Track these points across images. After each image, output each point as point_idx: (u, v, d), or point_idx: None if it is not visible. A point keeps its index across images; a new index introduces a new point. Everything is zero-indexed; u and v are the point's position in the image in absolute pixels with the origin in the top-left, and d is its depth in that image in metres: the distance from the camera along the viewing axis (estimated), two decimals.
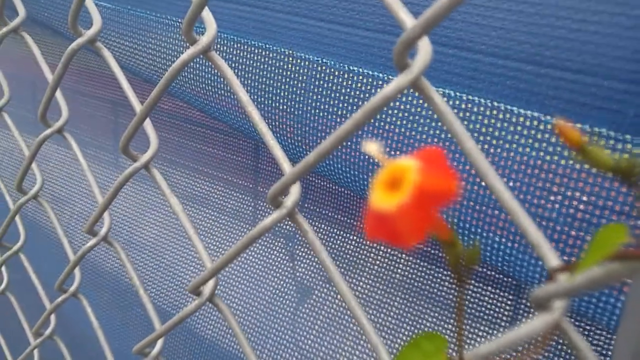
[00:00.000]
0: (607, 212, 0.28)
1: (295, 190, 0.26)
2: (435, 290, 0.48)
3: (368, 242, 0.51)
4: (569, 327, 0.18)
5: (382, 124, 0.35)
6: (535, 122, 0.29)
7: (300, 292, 0.62)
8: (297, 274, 0.63)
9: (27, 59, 0.45)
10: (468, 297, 0.43)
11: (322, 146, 0.22)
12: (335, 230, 0.58)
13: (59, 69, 0.38)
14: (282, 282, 0.63)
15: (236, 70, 0.45)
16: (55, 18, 0.61)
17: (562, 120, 0.13)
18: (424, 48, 0.19)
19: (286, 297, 0.62)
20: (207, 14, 0.28)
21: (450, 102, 0.32)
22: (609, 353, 0.33)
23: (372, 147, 0.12)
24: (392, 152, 0.34)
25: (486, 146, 0.31)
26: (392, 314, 0.51)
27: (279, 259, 0.65)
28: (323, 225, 0.59)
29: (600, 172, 0.12)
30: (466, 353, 0.18)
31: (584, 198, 0.28)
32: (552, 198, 0.29)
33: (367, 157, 0.37)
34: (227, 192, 0.69)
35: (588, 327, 0.34)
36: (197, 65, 0.48)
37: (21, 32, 0.44)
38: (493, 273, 0.41)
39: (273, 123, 0.43)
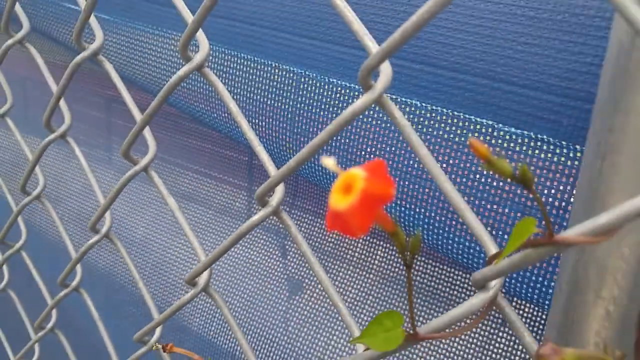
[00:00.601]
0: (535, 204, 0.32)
1: (279, 190, 0.30)
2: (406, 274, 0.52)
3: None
4: (503, 303, 0.22)
5: (357, 130, 0.39)
6: (490, 130, 0.33)
7: (292, 286, 0.65)
8: (289, 268, 0.66)
9: (17, 58, 0.48)
10: (423, 277, 0.47)
11: (301, 153, 0.25)
12: (320, 221, 0.61)
13: (63, 80, 0.41)
14: (274, 276, 0.67)
15: (225, 80, 0.48)
16: (56, 29, 0.64)
17: (474, 138, 0.16)
18: (385, 71, 0.23)
19: (278, 290, 0.66)
20: (200, 34, 0.32)
21: (417, 112, 0.36)
22: (541, 328, 0.38)
23: (328, 162, 0.15)
24: (361, 153, 0.38)
25: (448, 150, 0.34)
26: (366, 295, 0.55)
27: (270, 254, 0.69)
28: (311, 217, 0.62)
29: (504, 180, 0.16)
30: (419, 327, 0.22)
31: (521, 192, 0.33)
32: (496, 193, 0.33)
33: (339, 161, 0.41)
34: (221, 189, 0.72)
35: (523, 306, 0.38)
36: (191, 78, 0.51)
37: (25, 44, 0.47)
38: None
39: (259, 128, 0.47)
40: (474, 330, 0.43)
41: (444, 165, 0.34)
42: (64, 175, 0.89)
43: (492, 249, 0.22)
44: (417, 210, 0.37)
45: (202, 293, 0.37)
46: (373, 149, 0.37)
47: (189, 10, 0.33)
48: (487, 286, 0.21)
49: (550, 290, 0.33)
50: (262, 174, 0.69)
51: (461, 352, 0.46)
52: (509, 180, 0.15)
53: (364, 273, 0.56)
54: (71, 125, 0.47)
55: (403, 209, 0.38)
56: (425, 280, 0.46)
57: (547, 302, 0.33)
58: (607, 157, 0.20)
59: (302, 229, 0.63)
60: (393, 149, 0.37)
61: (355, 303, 0.53)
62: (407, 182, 0.36)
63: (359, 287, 0.54)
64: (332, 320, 0.60)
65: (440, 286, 0.46)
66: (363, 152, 0.39)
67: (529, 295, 0.34)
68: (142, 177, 0.41)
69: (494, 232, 0.33)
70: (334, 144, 0.41)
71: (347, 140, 0.40)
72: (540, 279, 0.33)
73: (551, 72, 0.30)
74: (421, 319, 0.46)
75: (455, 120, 0.34)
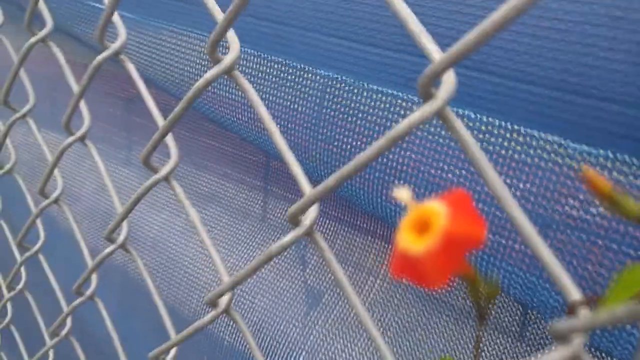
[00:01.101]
0: (624, 247, 0.28)
1: (313, 210, 0.27)
2: (446, 293, 0.48)
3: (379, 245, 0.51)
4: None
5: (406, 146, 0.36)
6: (556, 147, 0.29)
7: (311, 297, 0.62)
8: (308, 279, 0.63)
9: (43, 56, 0.46)
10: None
11: (343, 170, 0.22)
12: (355, 233, 0.58)
13: (84, 81, 0.39)
14: (293, 287, 0.64)
15: (253, 84, 0.45)
16: (80, 28, 0.62)
17: (591, 169, 0.13)
18: (449, 79, 0.19)
19: (297, 301, 0.63)
20: (231, 34, 0.29)
21: (471, 124, 0.32)
22: None
23: (402, 194, 0.12)
24: (404, 173, 0.34)
25: (505, 168, 0.31)
26: (403, 316, 0.51)
27: (289, 264, 0.66)
28: (343, 227, 0.59)
29: (630, 221, 0.12)
30: None
31: (603, 229, 0.28)
32: (565, 222, 0.29)
33: (381, 181, 0.37)
34: (237, 189, 0.69)
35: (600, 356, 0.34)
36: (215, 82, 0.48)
37: (48, 42, 0.45)
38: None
39: (287, 137, 0.44)
40: None
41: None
42: (84, 172, 0.87)
43: (574, 294, 0.18)
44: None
45: (224, 315, 0.35)
46: (416, 167, 0.34)
47: (219, 8, 0.30)
48: (570, 339, 0.18)
49: (633, 344, 0.29)
50: (279, 175, 0.66)
51: None
52: (636, 222, 0.11)
53: (395, 287, 0.53)
54: (90, 128, 0.45)
55: None
56: (463, 299, 0.42)
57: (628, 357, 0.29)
58: None
59: (329, 239, 0.60)
60: (443, 168, 0.33)
61: (383, 324, 0.50)
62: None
63: (388, 304, 0.50)
64: (352, 334, 0.56)
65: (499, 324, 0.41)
66: (404, 171, 0.35)
67: (607, 346, 0.30)
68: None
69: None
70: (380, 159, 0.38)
71: (393, 155, 0.36)
72: (623, 330, 0.29)
73: (638, 84, 0.26)
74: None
75: (515, 135, 0.30)
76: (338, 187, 0.23)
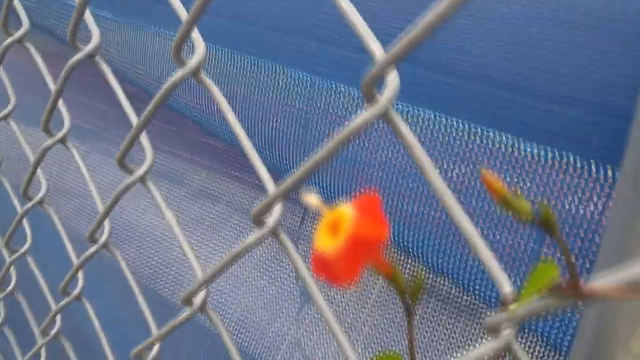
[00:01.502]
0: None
1: (277, 210, 0.27)
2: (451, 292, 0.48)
3: None
4: (518, 350, 0.19)
5: (364, 141, 0.36)
6: (511, 147, 0.29)
7: (303, 295, 0.63)
8: (292, 279, 0.64)
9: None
10: (428, 314, 0.43)
11: (299, 172, 0.23)
12: None
13: (59, 83, 0.39)
14: (284, 284, 0.64)
15: (227, 83, 0.46)
16: (57, 26, 0.63)
17: (487, 171, 0.13)
18: (392, 81, 0.20)
19: (289, 299, 0.63)
20: (195, 35, 0.29)
21: (430, 125, 0.33)
22: None
23: (311, 199, 0.13)
24: (370, 167, 0.35)
25: (463, 167, 0.31)
26: (374, 318, 0.51)
27: (281, 262, 0.66)
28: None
29: (522, 223, 0.13)
30: None
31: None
32: (515, 224, 0.29)
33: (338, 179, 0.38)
34: (233, 186, 0.69)
35: (535, 344, 0.34)
36: (190, 81, 0.49)
37: (25, 43, 0.46)
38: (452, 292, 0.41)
39: (260, 135, 0.44)
40: None
41: (457, 184, 0.31)
42: (75, 168, 0.88)
43: (507, 288, 0.19)
44: (427, 231, 0.34)
45: (200, 313, 0.35)
46: (381, 162, 0.34)
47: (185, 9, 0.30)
48: (500, 332, 0.18)
49: (571, 332, 0.30)
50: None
51: None
52: (528, 223, 0.12)
53: (371, 288, 0.53)
54: (70, 129, 0.45)
55: (411, 230, 0.35)
56: (428, 310, 0.43)
57: (565, 343, 0.30)
58: None
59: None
60: (403, 161, 0.33)
61: (358, 324, 0.51)
62: (416, 201, 0.33)
63: (363, 304, 0.51)
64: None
65: (445, 317, 0.42)
66: (370, 165, 0.35)
67: (545, 333, 0.31)
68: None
69: (510, 266, 0.30)
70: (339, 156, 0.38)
71: (354, 152, 0.37)
72: (560, 317, 0.30)
73: (583, 85, 0.26)
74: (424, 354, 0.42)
75: (473, 137, 0.30)
76: (296, 187, 0.23)
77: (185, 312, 0.34)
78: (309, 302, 0.62)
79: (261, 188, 0.70)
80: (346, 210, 0.12)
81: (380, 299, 0.49)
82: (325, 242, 0.12)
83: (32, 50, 0.45)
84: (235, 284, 0.66)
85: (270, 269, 0.66)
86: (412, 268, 0.41)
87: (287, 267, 0.65)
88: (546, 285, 0.14)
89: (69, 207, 0.85)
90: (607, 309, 0.21)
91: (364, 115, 0.20)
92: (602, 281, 0.14)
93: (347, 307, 0.51)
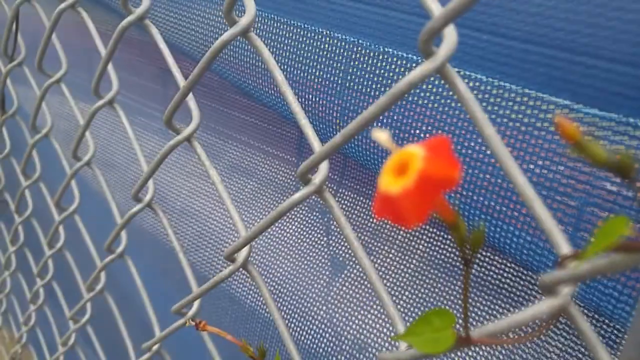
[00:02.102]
0: (622, 201, 0.27)
1: (323, 168, 0.28)
2: (459, 263, 0.48)
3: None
4: (576, 312, 0.19)
5: (411, 105, 0.36)
6: (566, 111, 0.28)
7: (334, 266, 0.64)
8: (332, 247, 0.65)
9: (83, 28, 0.48)
10: (483, 272, 0.43)
11: (348, 128, 0.23)
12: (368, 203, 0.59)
13: (110, 45, 0.40)
14: (316, 255, 0.65)
15: (273, 48, 0.46)
16: None
17: (561, 116, 0.13)
18: (450, 36, 0.20)
19: (320, 269, 0.64)
20: None
21: (482, 87, 0.32)
22: (615, 345, 0.33)
23: (381, 135, 0.13)
24: (418, 132, 0.34)
25: (515, 132, 0.31)
26: (414, 284, 0.52)
27: (314, 232, 0.67)
28: (361, 198, 0.60)
29: (597, 167, 0.13)
30: (473, 330, 0.19)
31: (605, 188, 0.28)
32: (573, 186, 0.29)
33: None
34: (271, 164, 0.70)
35: (596, 317, 0.34)
36: (236, 44, 0.49)
37: (77, 8, 0.47)
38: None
39: (307, 101, 0.44)
40: (535, 343, 0.39)
41: (511, 149, 0.30)
42: (116, 141, 0.90)
43: (565, 248, 0.18)
44: (476, 198, 0.34)
45: (241, 270, 0.36)
46: (430, 128, 0.34)
47: None
48: (557, 291, 0.18)
49: (630, 304, 0.29)
50: (310, 149, 0.66)
51: None
52: (603, 168, 0.12)
53: (410, 255, 0.53)
54: (118, 92, 0.46)
55: (461, 196, 0.34)
56: (482, 272, 0.42)
57: (623, 316, 0.29)
58: None
59: (348, 209, 0.61)
60: (453, 128, 0.33)
61: (398, 289, 0.51)
62: (467, 167, 0.33)
63: (403, 271, 0.51)
64: (370, 300, 0.58)
65: (499, 281, 0.42)
66: (419, 131, 0.35)
67: (601, 305, 0.30)
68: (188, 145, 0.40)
69: (568, 230, 0.29)
70: (386, 120, 0.38)
71: (401, 117, 0.37)
72: (620, 288, 0.29)
73: None
74: (476, 316, 0.42)
75: (525, 99, 0.30)
76: (344, 144, 0.24)
77: (229, 268, 0.35)
78: (340, 273, 0.63)
79: (292, 163, 0.71)
80: (415, 150, 0.12)
81: (421, 265, 0.49)
82: (392, 182, 0.12)
83: (84, 15, 0.46)
84: (276, 250, 0.67)
85: (309, 235, 0.67)
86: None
87: (322, 233, 0.66)
88: (616, 242, 0.13)
89: (110, 179, 0.88)
90: None
91: (420, 68, 0.20)
92: None
93: (387, 272, 0.51)
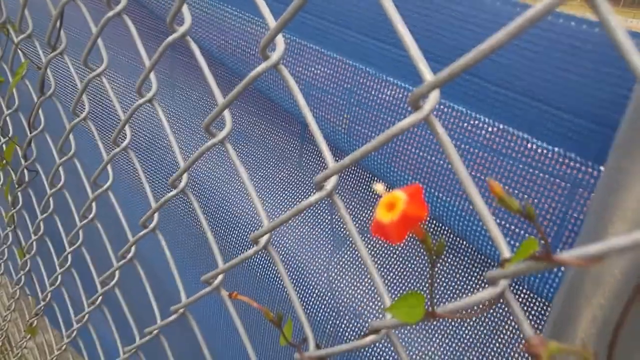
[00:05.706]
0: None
1: (333, 179, 0.35)
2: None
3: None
4: (509, 297, 0.26)
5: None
6: (525, 142, 0.36)
7: (335, 241, 0.72)
8: (334, 225, 0.73)
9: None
10: (446, 267, 0.52)
11: (354, 154, 0.30)
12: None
13: (155, 58, 0.47)
14: (320, 231, 0.73)
15: (295, 67, 0.53)
16: (153, 3, 0.70)
17: (491, 179, 0.21)
18: (434, 96, 0.27)
19: (323, 243, 0.73)
20: (278, 36, 0.36)
21: (462, 117, 0.39)
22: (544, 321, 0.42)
23: (378, 187, 0.20)
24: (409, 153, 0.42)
25: (485, 154, 0.38)
26: (402, 265, 0.60)
27: (320, 213, 0.75)
28: (359, 194, 0.67)
29: (512, 213, 0.20)
30: (437, 307, 0.27)
31: (546, 203, 0.36)
32: (526, 200, 0.37)
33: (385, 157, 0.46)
34: (277, 133, 0.78)
35: (530, 298, 0.43)
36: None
37: (123, 16, 0.54)
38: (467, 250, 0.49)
39: (321, 114, 0.51)
40: (484, 318, 0.48)
41: (479, 168, 0.38)
42: (152, 130, 0.97)
43: (506, 253, 0.26)
44: (454, 202, 0.41)
45: (263, 250, 0.44)
46: (418, 151, 0.42)
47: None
48: (497, 283, 0.26)
49: (555, 285, 0.37)
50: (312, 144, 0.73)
51: (472, 335, 0.52)
52: (516, 214, 0.19)
53: (391, 251, 0.61)
54: (157, 92, 0.54)
55: (442, 200, 0.42)
56: (445, 269, 0.51)
57: (550, 294, 0.38)
58: (614, 193, 0.23)
59: (348, 201, 0.68)
60: (437, 153, 0.41)
61: (386, 271, 0.59)
62: (445, 178, 0.40)
63: (390, 256, 0.59)
64: (364, 274, 0.66)
65: (457, 275, 0.51)
66: (409, 152, 0.43)
67: (540, 290, 0.39)
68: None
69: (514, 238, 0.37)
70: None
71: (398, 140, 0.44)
72: (552, 277, 0.37)
73: (586, 99, 0.32)
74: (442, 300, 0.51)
75: (495, 129, 0.37)
76: (351, 165, 0.31)
77: (253, 249, 0.43)
78: (340, 248, 0.71)
79: (298, 134, 0.78)
80: (400, 195, 0.20)
81: (405, 253, 0.58)
82: (384, 214, 0.20)
83: (129, 23, 0.53)
84: (286, 226, 0.75)
85: (315, 215, 0.75)
86: (437, 233, 0.50)
87: (326, 213, 0.74)
88: (529, 254, 0.21)
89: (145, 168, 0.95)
90: (579, 273, 0.28)
91: (409, 119, 0.27)
92: (568, 253, 0.21)
93: (376, 258, 0.59)
